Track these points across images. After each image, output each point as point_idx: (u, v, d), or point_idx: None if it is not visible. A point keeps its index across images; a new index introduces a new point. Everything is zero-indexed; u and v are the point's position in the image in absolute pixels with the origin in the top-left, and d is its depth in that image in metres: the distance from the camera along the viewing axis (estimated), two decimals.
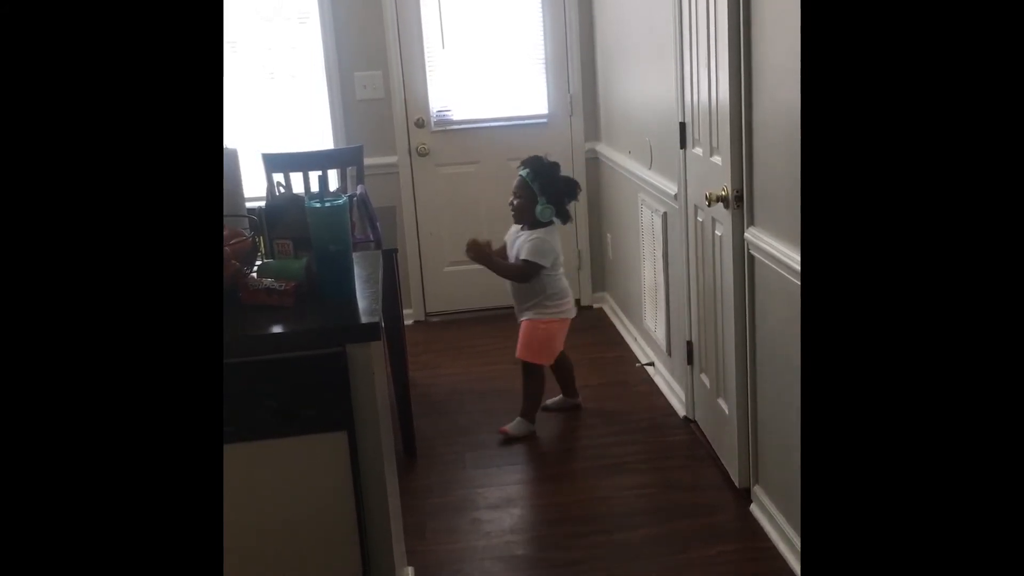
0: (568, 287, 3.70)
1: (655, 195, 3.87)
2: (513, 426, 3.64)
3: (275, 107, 4.89)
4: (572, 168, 5.03)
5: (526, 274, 3.57)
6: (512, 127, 4.97)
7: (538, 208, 3.55)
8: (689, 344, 3.55)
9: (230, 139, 2.71)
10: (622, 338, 4.65)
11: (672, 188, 3.59)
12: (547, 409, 3.80)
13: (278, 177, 4.23)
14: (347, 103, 4.85)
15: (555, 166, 3.63)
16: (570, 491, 3.24)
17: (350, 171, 4.40)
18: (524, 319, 3.65)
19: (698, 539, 2.86)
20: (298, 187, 4.22)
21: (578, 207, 5.04)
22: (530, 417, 3.67)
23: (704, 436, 3.48)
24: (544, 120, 4.99)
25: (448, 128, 4.94)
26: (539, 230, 3.58)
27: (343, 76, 4.83)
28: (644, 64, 3.96)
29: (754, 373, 2.91)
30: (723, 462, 3.25)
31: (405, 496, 3.14)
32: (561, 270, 3.67)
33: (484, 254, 3.58)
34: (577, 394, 3.85)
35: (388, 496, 2.09)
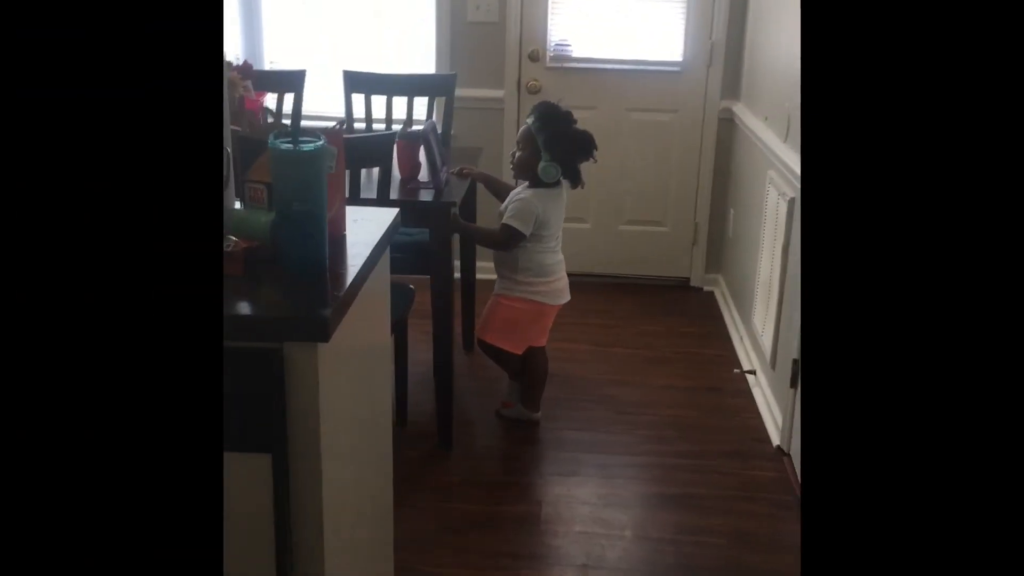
0: (555, 266, 3.05)
1: (785, 175, 3.19)
2: (513, 410, 3.21)
3: (378, 23, 4.39)
4: (703, 128, 4.35)
5: (503, 241, 2.97)
6: (639, 72, 4.30)
7: (541, 165, 2.91)
8: (796, 363, 2.90)
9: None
10: (727, 333, 4.00)
11: None
12: (500, 416, 3.22)
13: (358, 99, 3.74)
14: (456, 24, 4.28)
15: (567, 116, 2.97)
16: (622, 523, 2.67)
17: (439, 101, 3.86)
18: (493, 294, 3.10)
19: None
20: (379, 112, 3.72)
21: (702, 175, 4.40)
22: (530, 406, 3.19)
23: (796, 477, 2.85)
24: (676, 68, 4.30)
25: (565, 65, 4.30)
26: (536, 190, 2.95)
27: None
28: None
29: None
30: None
31: (430, 496, 2.69)
32: (552, 244, 3.02)
33: (456, 222, 2.91)
34: (538, 409, 3.20)
35: (325, 542, 1.58)
